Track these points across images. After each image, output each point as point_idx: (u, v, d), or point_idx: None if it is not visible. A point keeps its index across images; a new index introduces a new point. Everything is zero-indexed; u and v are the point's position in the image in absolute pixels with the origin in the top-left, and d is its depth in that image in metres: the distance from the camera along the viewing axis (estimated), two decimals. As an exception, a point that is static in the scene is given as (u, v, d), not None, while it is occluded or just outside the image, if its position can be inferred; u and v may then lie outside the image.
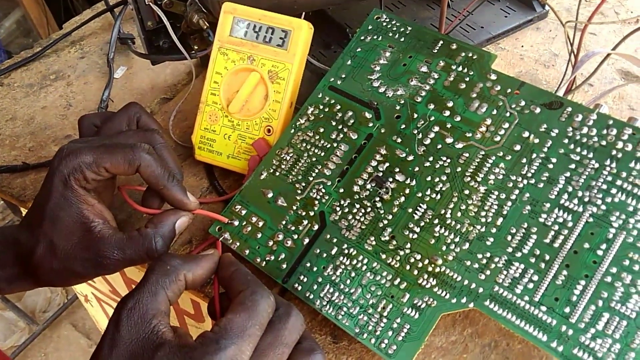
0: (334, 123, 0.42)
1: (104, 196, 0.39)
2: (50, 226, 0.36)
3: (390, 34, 0.44)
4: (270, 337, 0.30)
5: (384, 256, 0.37)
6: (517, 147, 0.37)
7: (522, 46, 0.57)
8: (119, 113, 0.42)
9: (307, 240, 0.39)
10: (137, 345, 0.29)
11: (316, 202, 0.40)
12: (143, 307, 0.29)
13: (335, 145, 0.41)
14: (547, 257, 0.34)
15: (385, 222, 0.38)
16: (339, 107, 0.43)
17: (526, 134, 0.37)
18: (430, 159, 0.39)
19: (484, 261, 0.35)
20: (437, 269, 0.35)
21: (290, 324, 0.31)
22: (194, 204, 0.38)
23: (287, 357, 0.31)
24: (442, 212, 0.37)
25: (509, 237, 0.35)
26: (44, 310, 1.53)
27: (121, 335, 0.29)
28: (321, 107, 0.43)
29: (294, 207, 0.40)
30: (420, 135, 0.39)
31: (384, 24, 0.45)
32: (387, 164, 0.39)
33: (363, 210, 0.38)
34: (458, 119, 0.39)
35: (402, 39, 0.44)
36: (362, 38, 0.45)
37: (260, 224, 0.40)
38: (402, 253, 0.36)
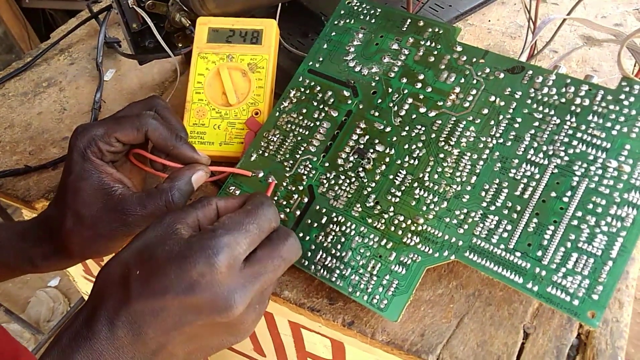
0: (315, 103, 0.45)
1: (123, 169, 0.42)
2: (73, 198, 0.39)
3: (362, 17, 0.47)
4: (268, 248, 0.32)
5: (370, 220, 0.39)
6: (485, 111, 0.40)
7: (489, 20, 0.60)
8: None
9: (298, 213, 0.41)
10: (157, 237, 0.31)
11: (304, 177, 0.43)
12: (175, 216, 0.32)
13: (318, 123, 0.44)
14: (519, 208, 0.36)
15: (369, 189, 0.40)
16: (318, 88, 0.45)
17: (492, 98, 0.40)
18: (407, 128, 0.41)
19: (462, 217, 0.37)
20: (420, 228, 0.38)
21: (289, 242, 0.33)
22: (205, 158, 0.42)
23: (282, 272, 0.33)
24: (421, 175, 0.40)
25: (483, 193, 0.38)
26: (48, 320, 1.54)
27: (148, 230, 0.32)
28: (302, 89, 0.46)
29: (284, 184, 0.43)
30: (395, 108, 0.42)
31: (355, 7, 0.47)
32: (367, 137, 0.42)
33: (348, 181, 0.41)
34: (429, 89, 0.42)
35: (373, 21, 0.46)
36: (336, 22, 0.48)
37: (254, 201, 0.43)
38: (386, 216, 0.39)
